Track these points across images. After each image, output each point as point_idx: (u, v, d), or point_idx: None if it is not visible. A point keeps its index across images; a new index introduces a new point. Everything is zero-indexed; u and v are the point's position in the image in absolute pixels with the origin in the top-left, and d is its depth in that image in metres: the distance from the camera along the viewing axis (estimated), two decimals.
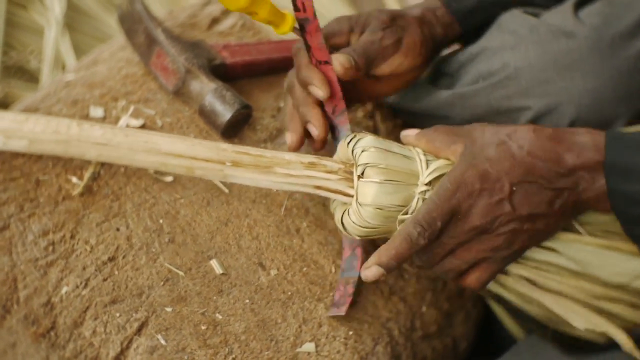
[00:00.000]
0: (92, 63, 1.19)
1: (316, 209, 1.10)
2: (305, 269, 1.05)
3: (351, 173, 0.98)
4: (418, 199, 0.97)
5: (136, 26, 1.16)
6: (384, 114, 1.25)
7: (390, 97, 1.23)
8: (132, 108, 1.09)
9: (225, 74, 1.17)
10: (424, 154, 1.00)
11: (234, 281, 1.01)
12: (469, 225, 0.95)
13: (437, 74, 1.24)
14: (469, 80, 1.17)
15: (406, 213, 0.97)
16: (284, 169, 0.97)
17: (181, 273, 0.99)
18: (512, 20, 1.17)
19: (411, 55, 1.10)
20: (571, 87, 1.09)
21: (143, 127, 1.08)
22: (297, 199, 1.10)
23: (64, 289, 0.93)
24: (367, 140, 0.98)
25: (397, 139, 1.02)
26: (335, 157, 1.03)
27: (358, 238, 1.01)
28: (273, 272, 1.03)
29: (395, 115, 1.26)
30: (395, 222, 0.98)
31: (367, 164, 0.96)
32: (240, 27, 1.30)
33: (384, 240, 0.96)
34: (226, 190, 1.07)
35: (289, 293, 1.03)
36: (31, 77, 1.91)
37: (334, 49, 1.08)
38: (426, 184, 0.98)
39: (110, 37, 1.89)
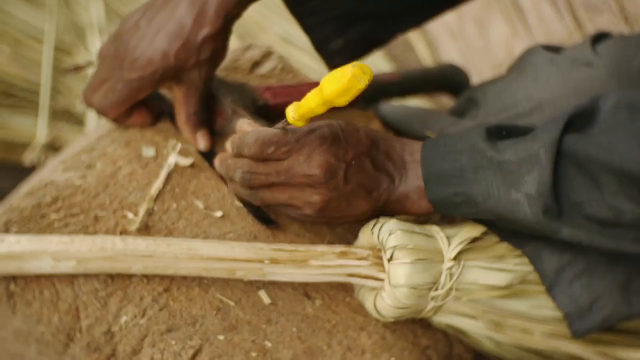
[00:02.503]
0: None
1: None
2: (348, 299, 1.10)
3: (380, 258, 1.04)
4: (446, 274, 1.02)
5: None
6: None
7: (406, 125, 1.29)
8: (180, 147, 1.15)
9: (269, 114, 1.22)
10: (442, 230, 1.05)
11: (281, 310, 1.05)
12: (303, 170, 0.99)
13: (464, 101, 1.29)
14: (494, 111, 1.22)
15: (436, 289, 1.02)
16: (318, 261, 1.02)
17: (232, 303, 1.03)
18: (532, 53, 1.22)
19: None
20: None
21: (192, 165, 1.13)
22: (338, 233, 1.15)
23: (123, 319, 0.98)
24: (392, 223, 1.03)
25: None
26: (357, 243, 1.08)
27: (392, 320, 1.06)
28: (318, 302, 1.08)
29: None
30: (426, 299, 1.02)
31: (395, 246, 1.01)
32: (280, 70, 1.35)
33: None
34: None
35: (334, 322, 1.07)
36: (77, 121, 1.97)
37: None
38: (452, 259, 1.03)
39: None
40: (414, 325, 1.11)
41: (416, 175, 1.02)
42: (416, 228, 1.04)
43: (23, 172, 1.79)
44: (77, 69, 1.29)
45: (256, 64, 1.34)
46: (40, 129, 1.89)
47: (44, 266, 0.95)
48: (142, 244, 0.98)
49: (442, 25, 2.18)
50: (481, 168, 0.96)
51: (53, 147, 1.90)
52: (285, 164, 1.00)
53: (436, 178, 1.00)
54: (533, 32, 1.84)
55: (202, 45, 1.11)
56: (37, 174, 1.17)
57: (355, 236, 1.10)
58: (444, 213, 1.03)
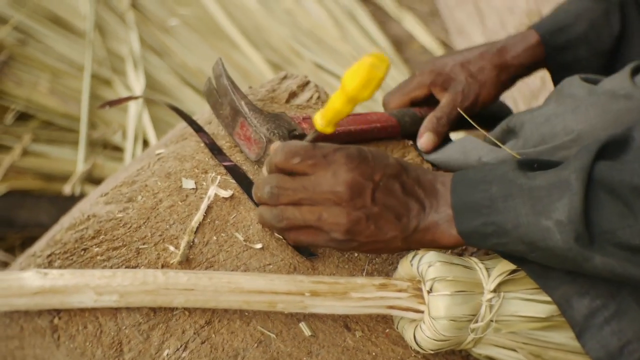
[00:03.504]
0: (180, 137, 1.26)
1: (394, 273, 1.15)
2: (387, 330, 1.09)
3: (419, 289, 1.04)
4: (486, 306, 1.02)
5: (222, 99, 1.23)
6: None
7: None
8: (219, 179, 1.16)
9: None
10: (482, 263, 1.05)
11: (322, 343, 1.05)
12: (330, 186, 1.00)
13: (501, 131, 1.29)
14: (532, 143, 1.21)
15: (476, 321, 1.02)
16: (358, 293, 1.02)
17: (273, 335, 1.03)
18: (571, 85, 1.22)
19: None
20: None
21: (231, 197, 1.14)
22: (377, 263, 1.15)
23: (166, 352, 0.98)
24: (431, 255, 1.03)
25: None
26: (396, 275, 1.08)
27: (432, 352, 1.05)
28: (358, 334, 1.08)
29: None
30: (466, 331, 1.02)
31: (435, 278, 1.01)
32: (316, 100, 1.36)
33: None
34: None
35: (374, 354, 1.07)
36: (114, 149, 1.99)
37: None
38: (492, 291, 1.03)
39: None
40: (454, 357, 1.11)
41: (447, 204, 1.02)
42: (455, 260, 1.04)
43: (63, 201, 1.81)
44: (116, 102, 1.31)
45: (293, 95, 1.35)
46: (79, 160, 1.91)
47: (87, 300, 0.96)
48: (183, 277, 0.98)
49: None
50: (510, 196, 0.96)
51: (92, 177, 1.92)
52: (312, 179, 1.00)
53: (466, 209, 1.00)
54: None
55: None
56: (79, 207, 1.18)
57: (394, 267, 1.10)
58: (474, 246, 1.02)
